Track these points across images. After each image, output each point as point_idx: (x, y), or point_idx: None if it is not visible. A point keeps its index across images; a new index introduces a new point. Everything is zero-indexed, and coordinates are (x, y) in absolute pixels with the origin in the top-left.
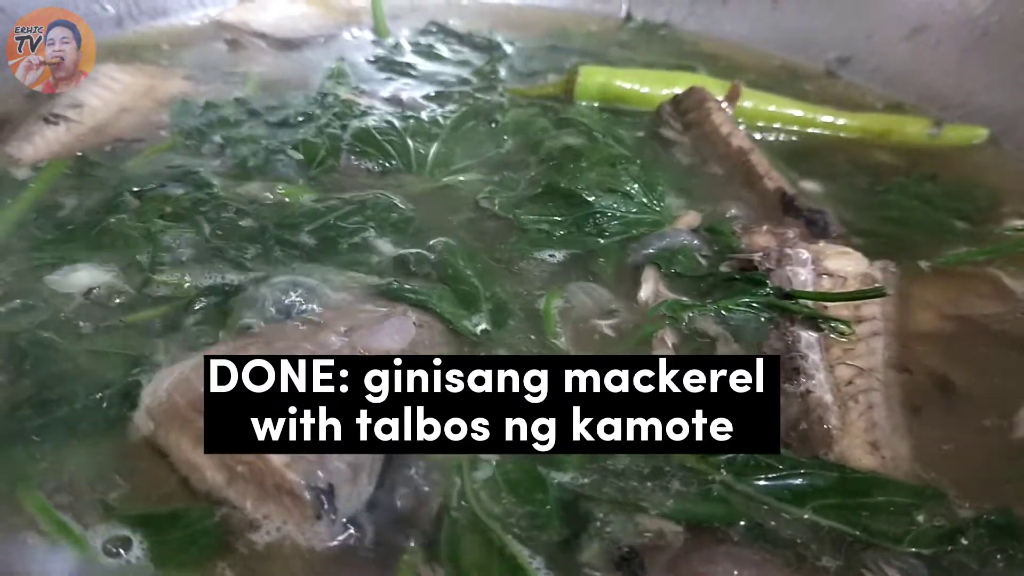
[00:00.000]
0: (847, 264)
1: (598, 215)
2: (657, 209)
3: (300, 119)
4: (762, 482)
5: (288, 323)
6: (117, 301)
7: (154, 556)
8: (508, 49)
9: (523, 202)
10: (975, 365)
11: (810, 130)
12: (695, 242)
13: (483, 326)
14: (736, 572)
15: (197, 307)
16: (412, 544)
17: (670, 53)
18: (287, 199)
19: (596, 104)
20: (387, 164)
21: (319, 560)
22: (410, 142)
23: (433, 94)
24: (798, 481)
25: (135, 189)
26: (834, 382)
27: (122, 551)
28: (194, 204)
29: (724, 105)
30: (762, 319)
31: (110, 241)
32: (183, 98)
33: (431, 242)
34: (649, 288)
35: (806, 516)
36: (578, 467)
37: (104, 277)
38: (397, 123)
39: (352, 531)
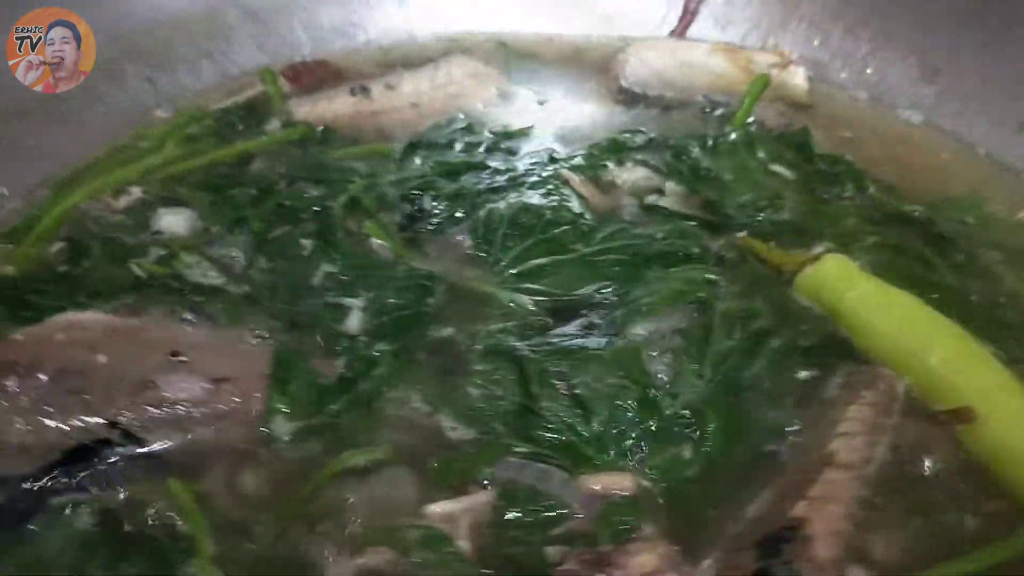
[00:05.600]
0: None
1: None
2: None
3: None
4: None
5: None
6: None
7: None
8: (850, 192)
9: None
10: None
11: None
12: None
13: None
14: None
15: None
16: None
17: None
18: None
19: (807, 301)
20: (478, 251)
21: None
22: (501, 236)
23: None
24: None
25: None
26: None
27: None
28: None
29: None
30: None
31: None
32: (464, 110)
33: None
34: None
35: None
36: None
37: None
38: (546, 213)
39: None
